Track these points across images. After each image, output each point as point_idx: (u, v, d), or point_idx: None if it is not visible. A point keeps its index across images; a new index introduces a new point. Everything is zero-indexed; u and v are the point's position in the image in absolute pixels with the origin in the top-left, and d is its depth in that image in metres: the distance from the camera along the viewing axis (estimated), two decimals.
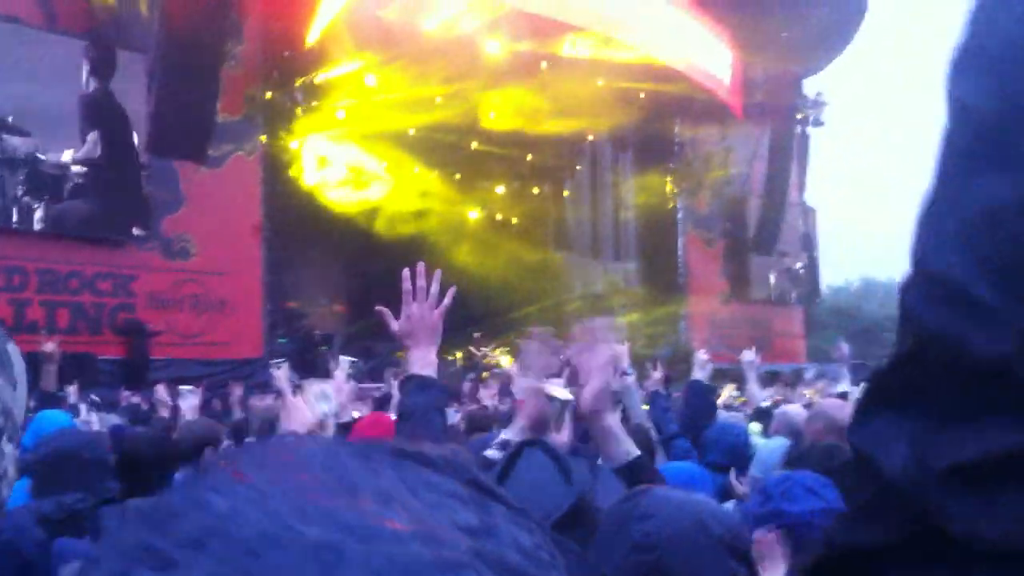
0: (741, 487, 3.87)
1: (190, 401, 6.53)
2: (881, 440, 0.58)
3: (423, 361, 2.57)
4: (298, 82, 17.21)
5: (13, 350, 0.97)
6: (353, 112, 18.56)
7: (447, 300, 2.61)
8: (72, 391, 7.63)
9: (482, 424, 5.72)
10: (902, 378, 0.59)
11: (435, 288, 2.59)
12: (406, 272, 2.57)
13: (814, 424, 3.83)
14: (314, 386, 2.77)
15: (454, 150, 20.09)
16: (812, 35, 24.32)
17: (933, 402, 0.56)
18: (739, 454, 4.46)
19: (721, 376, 19.48)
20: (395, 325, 2.57)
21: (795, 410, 4.89)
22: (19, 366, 0.96)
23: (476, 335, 20.49)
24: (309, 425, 4.27)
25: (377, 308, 2.66)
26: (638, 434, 4.28)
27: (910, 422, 0.57)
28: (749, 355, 6.52)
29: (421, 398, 2.45)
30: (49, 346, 6.16)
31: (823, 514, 2.08)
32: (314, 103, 17.92)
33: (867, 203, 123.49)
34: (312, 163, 18.80)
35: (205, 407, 7.39)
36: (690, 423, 4.98)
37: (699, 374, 5.46)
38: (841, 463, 2.87)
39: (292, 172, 18.21)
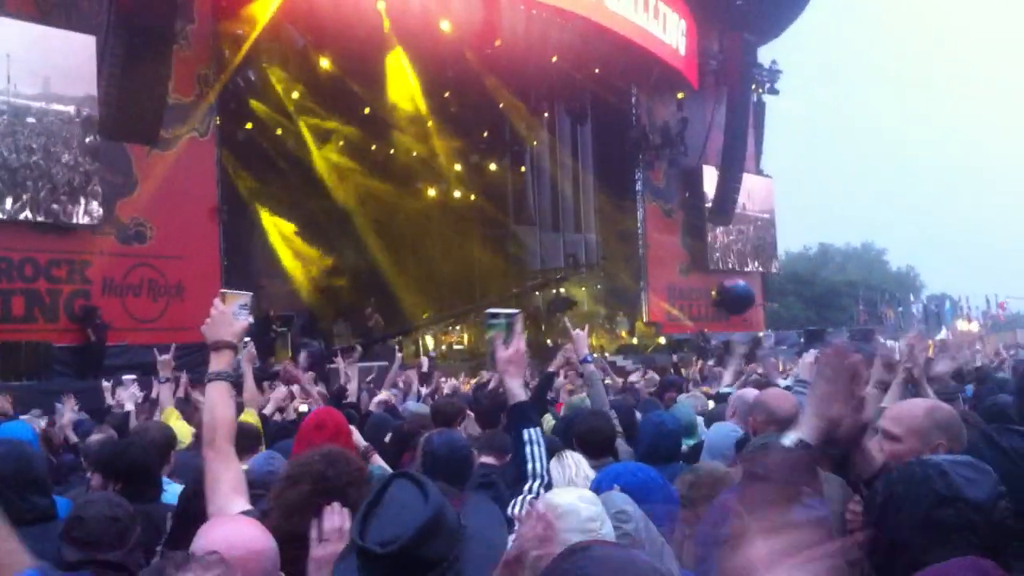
0: None
1: (130, 392, 6.39)
2: None
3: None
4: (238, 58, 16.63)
5: None
6: (305, 91, 18.37)
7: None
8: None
9: (451, 416, 5.00)
10: None
11: None
12: None
13: (757, 415, 3.62)
14: (237, 298, 2.59)
15: (410, 128, 19.93)
16: (766, 2, 24.41)
17: None
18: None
19: (680, 347, 19.61)
20: None
21: (751, 394, 4.49)
22: None
23: (431, 316, 20.50)
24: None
25: None
26: (598, 418, 4.23)
27: None
28: None
29: None
30: None
31: None
32: (265, 84, 17.69)
33: (824, 170, 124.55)
34: (266, 144, 18.51)
35: (147, 399, 7.05)
36: None
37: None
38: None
39: (247, 153, 17.94)
